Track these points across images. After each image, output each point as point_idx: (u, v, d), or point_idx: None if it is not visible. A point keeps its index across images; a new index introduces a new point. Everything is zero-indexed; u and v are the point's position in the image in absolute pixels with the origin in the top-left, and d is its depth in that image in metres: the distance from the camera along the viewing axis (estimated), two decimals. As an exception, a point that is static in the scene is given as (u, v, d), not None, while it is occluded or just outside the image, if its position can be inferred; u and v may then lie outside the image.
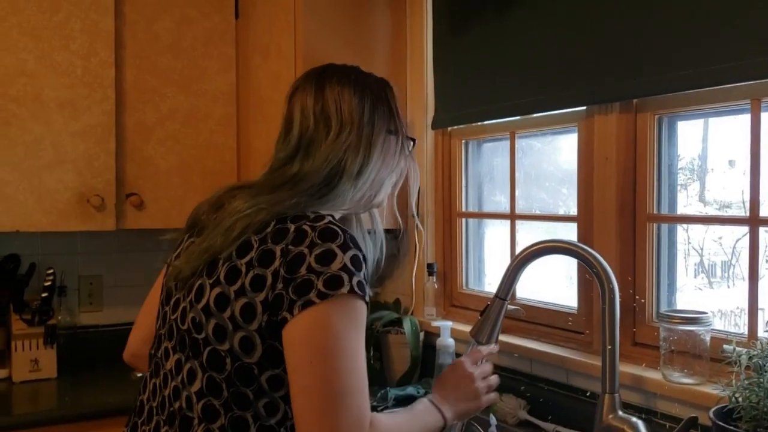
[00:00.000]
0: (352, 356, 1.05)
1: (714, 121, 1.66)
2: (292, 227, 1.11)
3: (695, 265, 1.70)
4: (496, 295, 1.51)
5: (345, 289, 1.05)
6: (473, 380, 1.38)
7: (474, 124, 2.18)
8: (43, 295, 2.34)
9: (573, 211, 1.86)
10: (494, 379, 1.43)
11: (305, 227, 1.11)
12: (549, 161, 2.12)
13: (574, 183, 1.83)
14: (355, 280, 1.07)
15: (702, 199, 1.67)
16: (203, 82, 2.53)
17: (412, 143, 1.37)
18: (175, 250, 1.31)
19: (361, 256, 1.11)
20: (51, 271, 2.40)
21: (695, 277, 1.70)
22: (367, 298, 1.10)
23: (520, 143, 2.06)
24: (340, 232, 1.11)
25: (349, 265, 1.07)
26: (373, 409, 1.92)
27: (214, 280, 1.14)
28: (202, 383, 1.12)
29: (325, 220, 1.13)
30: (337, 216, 1.25)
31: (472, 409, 1.38)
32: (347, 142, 1.23)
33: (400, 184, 1.37)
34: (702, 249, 1.69)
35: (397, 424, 1.22)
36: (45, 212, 2.29)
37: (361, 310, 1.08)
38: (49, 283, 2.36)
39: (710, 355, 1.47)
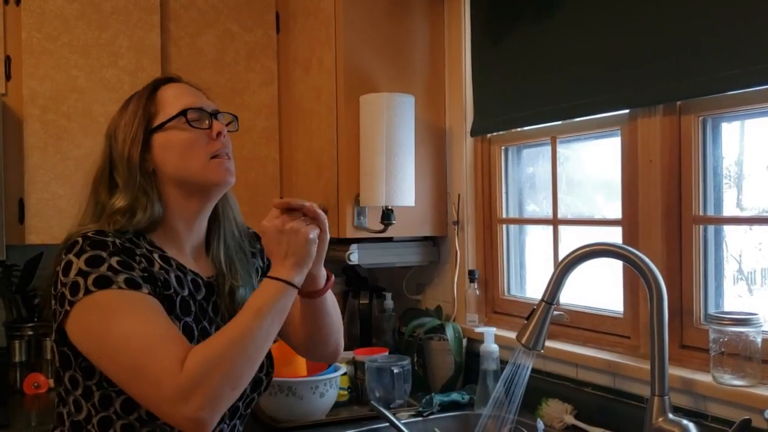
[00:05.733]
0: (118, 337, 1.13)
1: (750, 126, 1.65)
2: (63, 251, 1.22)
3: (734, 272, 1.68)
4: (543, 299, 1.52)
5: (81, 294, 1.14)
6: (280, 230, 1.24)
7: (514, 130, 2.19)
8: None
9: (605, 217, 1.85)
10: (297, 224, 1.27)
11: (63, 248, 1.21)
12: (576, 169, 2.12)
13: (601, 189, 1.82)
14: (91, 278, 1.15)
15: (739, 204, 1.65)
16: (246, 95, 2.58)
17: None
18: None
19: (104, 254, 1.17)
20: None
21: (735, 284, 1.68)
22: (119, 281, 1.15)
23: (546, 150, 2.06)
24: (80, 240, 1.19)
25: (84, 267, 1.16)
26: (419, 414, 1.98)
27: None
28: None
29: (78, 236, 1.20)
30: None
31: (301, 248, 1.23)
32: None
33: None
34: (740, 256, 1.67)
35: (222, 335, 1.16)
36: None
37: (106, 298, 1.15)
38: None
39: (762, 357, 1.46)
